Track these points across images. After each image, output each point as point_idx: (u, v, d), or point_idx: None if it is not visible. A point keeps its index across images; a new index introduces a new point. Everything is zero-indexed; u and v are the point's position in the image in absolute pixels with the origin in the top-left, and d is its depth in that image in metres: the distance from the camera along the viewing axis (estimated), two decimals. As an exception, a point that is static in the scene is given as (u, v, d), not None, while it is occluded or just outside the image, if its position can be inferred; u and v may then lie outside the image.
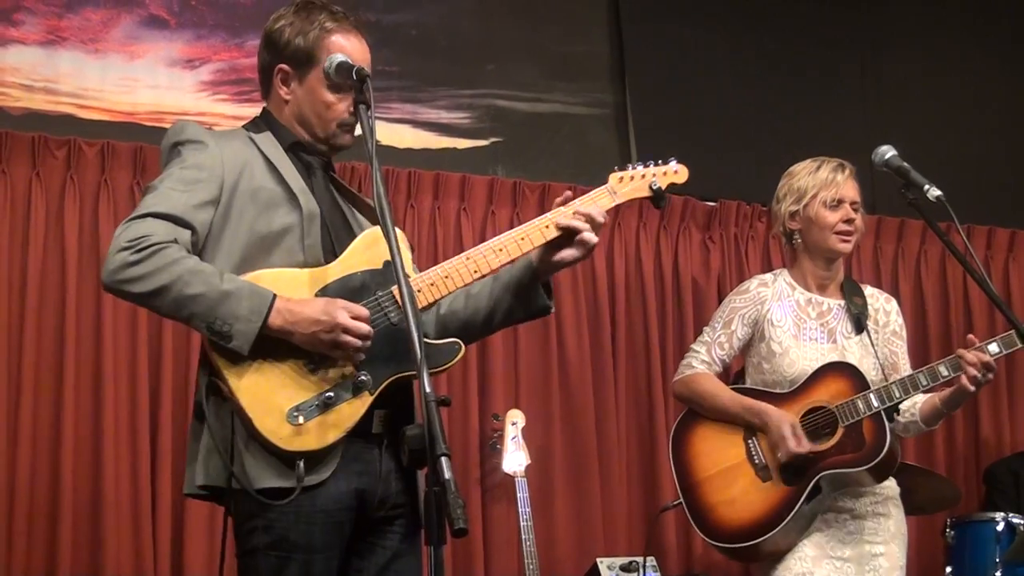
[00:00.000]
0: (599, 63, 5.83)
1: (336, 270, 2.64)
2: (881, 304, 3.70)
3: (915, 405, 3.55)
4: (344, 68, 2.69)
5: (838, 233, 3.58)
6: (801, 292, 3.66)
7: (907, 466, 4.55)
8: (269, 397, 2.53)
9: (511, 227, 5.20)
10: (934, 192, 3.06)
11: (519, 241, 2.75)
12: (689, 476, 3.61)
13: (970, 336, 3.44)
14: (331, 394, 2.54)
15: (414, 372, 2.39)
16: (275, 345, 2.54)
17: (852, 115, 6.16)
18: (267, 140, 2.78)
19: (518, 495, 4.71)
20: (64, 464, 4.48)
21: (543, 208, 5.41)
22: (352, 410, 2.56)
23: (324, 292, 2.60)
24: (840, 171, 3.61)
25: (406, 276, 2.40)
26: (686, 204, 5.64)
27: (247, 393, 2.54)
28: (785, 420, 3.45)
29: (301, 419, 2.52)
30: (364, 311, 2.55)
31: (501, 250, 2.75)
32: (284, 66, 2.81)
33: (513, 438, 4.85)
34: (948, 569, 4.92)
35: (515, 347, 5.24)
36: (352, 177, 4.88)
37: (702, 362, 3.67)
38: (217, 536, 4.50)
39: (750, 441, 3.54)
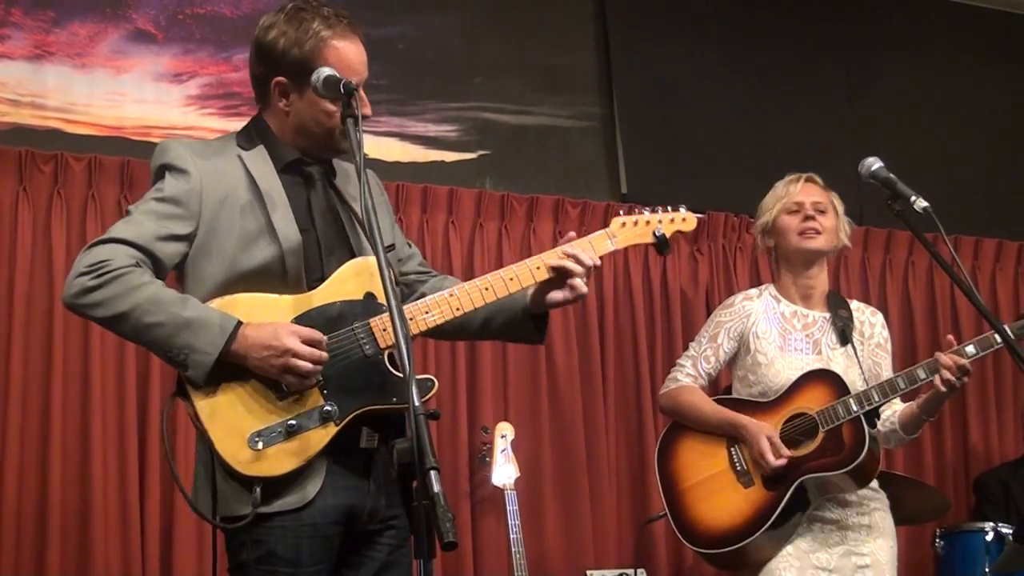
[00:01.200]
0: (586, 76, 5.84)
1: (318, 298, 2.64)
2: (867, 317, 3.75)
3: (894, 414, 3.59)
4: (331, 82, 2.66)
5: (801, 233, 3.68)
6: (786, 305, 3.72)
7: (896, 476, 4.57)
8: (233, 422, 2.55)
9: (499, 240, 5.31)
10: (921, 203, 3.06)
11: (507, 281, 2.77)
12: (674, 486, 3.66)
13: (948, 337, 3.49)
14: (294, 422, 2.55)
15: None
16: (243, 371, 2.56)
17: (839, 127, 6.18)
18: (258, 158, 2.74)
19: (507, 508, 4.70)
20: (52, 475, 4.47)
21: (531, 220, 5.43)
22: (317, 439, 2.57)
23: (299, 320, 2.60)
24: (795, 182, 3.75)
25: (397, 297, 2.37)
26: (674, 216, 5.64)
27: (211, 417, 2.57)
28: (762, 433, 3.49)
29: (260, 444, 2.54)
30: (317, 336, 2.54)
31: (487, 289, 2.76)
32: (281, 79, 2.76)
33: (502, 451, 4.85)
34: (938, 579, 4.93)
35: (504, 360, 5.24)
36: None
37: (688, 375, 3.73)
38: (206, 545, 4.53)
39: (732, 449, 3.59)
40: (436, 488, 2.12)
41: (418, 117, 5.47)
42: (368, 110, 2.73)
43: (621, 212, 2.96)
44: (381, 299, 2.63)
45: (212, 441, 2.56)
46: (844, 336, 3.65)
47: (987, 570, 4.75)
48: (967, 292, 3.14)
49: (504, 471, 4.80)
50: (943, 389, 3.39)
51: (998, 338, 3.29)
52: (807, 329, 3.67)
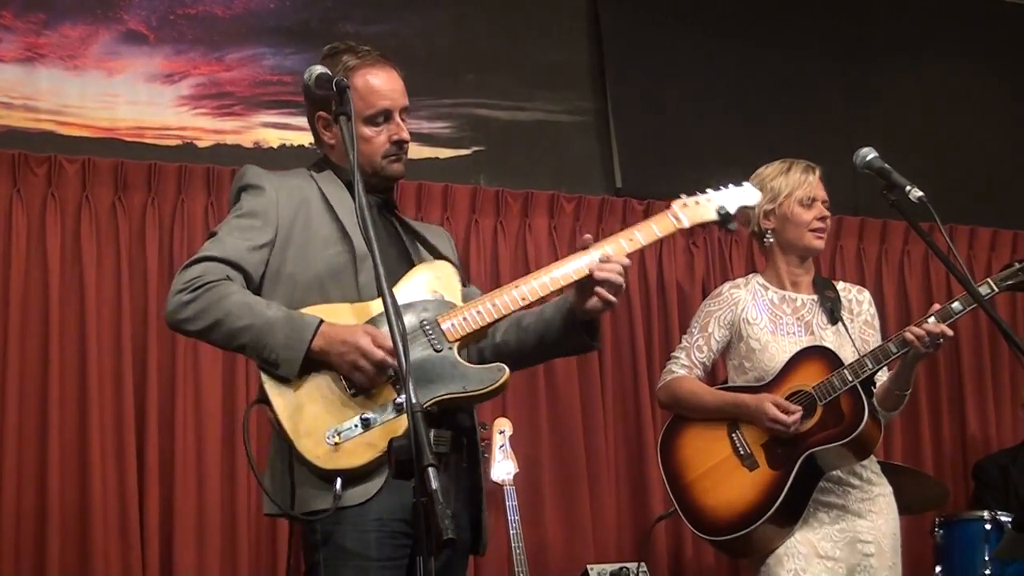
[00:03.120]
0: (579, 71, 5.84)
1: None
2: (853, 295, 3.78)
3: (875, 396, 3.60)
4: (323, 79, 2.69)
5: (813, 230, 3.67)
6: (775, 291, 3.73)
7: (894, 466, 4.57)
8: (310, 420, 2.64)
9: (494, 236, 5.31)
10: (916, 193, 3.07)
11: (538, 288, 2.81)
12: (679, 479, 3.65)
13: (935, 305, 3.50)
14: (369, 416, 2.63)
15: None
16: (319, 370, 2.66)
17: (833, 118, 6.18)
18: (328, 178, 2.91)
19: (507, 504, 4.70)
20: (51, 477, 4.47)
21: (526, 216, 5.43)
22: (392, 429, 2.60)
23: (375, 320, 2.69)
24: (811, 172, 3.72)
25: (391, 294, 2.41)
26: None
27: (289, 417, 2.65)
28: (764, 400, 3.50)
29: (338, 439, 2.62)
30: (385, 339, 2.59)
31: (523, 298, 2.81)
32: (322, 113, 2.91)
33: (501, 447, 4.85)
34: (938, 569, 4.93)
35: (501, 356, 5.23)
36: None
37: (682, 366, 3.74)
38: (206, 545, 4.54)
39: (734, 435, 3.59)
40: (435, 485, 2.12)
41: (411, 114, 5.42)
42: (405, 135, 2.91)
43: (684, 196, 2.96)
44: (451, 299, 2.79)
45: (292, 440, 2.63)
46: (833, 315, 3.67)
47: (987, 558, 4.75)
48: (963, 281, 3.15)
49: (503, 467, 4.80)
50: (921, 349, 3.41)
51: (982, 291, 3.34)
52: (797, 312, 3.69)
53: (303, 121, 5.12)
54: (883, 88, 6.32)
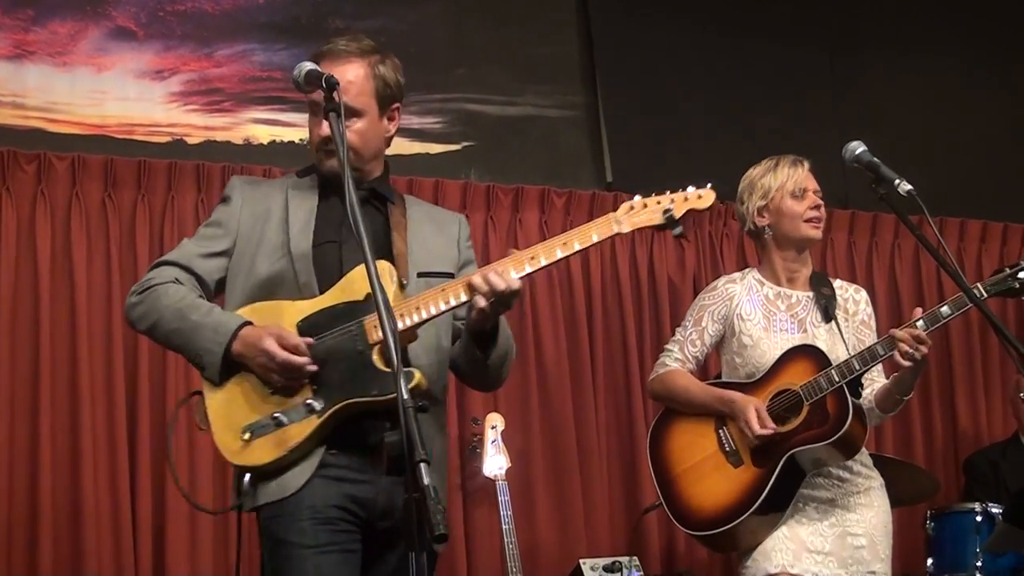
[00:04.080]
0: (569, 65, 5.83)
1: (326, 300, 2.78)
2: (851, 294, 3.76)
3: (872, 392, 3.60)
4: (313, 76, 2.69)
5: (808, 220, 3.67)
6: (770, 287, 3.73)
7: (886, 458, 4.58)
8: (230, 417, 2.75)
9: (484, 231, 5.31)
10: (905, 186, 3.07)
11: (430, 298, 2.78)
12: (666, 473, 3.67)
13: (917, 309, 3.48)
14: (279, 415, 2.70)
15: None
16: (247, 370, 2.75)
17: (822, 111, 6.18)
18: (306, 183, 2.96)
19: (499, 498, 4.70)
20: (42, 475, 4.46)
21: (517, 211, 5.43)
22: (297, 431, 2.70)
23: (304, 322, 2.75)
24: (799, 165, 3.72)
25: (382, 289, 2.40)
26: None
27: (215, 414, 2.78)
28: (750, 404, 3.51)
29: (248, 436, 2.72)
30: (293, 341, 2.68)
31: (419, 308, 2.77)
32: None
33: (493, 442, 4.85)
34: (929, 561, 4.94)
35: (493, 351, 5.24)
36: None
37: (675, 360, 3.74)
38: (199, 543, 4.54)
39: (721, 431, 3.60)
40: (427, 481, 2.12)
41: (402, 109, 5.44)
42: (322, 131, 2.84)
43: (639, 196, 2.87)
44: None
45: (214, 436, 2.76)
46: (827, 313, 3.66)
47: (978, 550, 4.76)
48: (953, 274, 3.15)
49: (495, 462, 4.80)
50: (905, 363, 3.38)
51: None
52: (791, 309, 3.69)
53: (294, 117, 5.19)
54: (872, 80, 6.32)
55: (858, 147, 3.19)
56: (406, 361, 2.73)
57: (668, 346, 3.80)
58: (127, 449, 4.60)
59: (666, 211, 2.80)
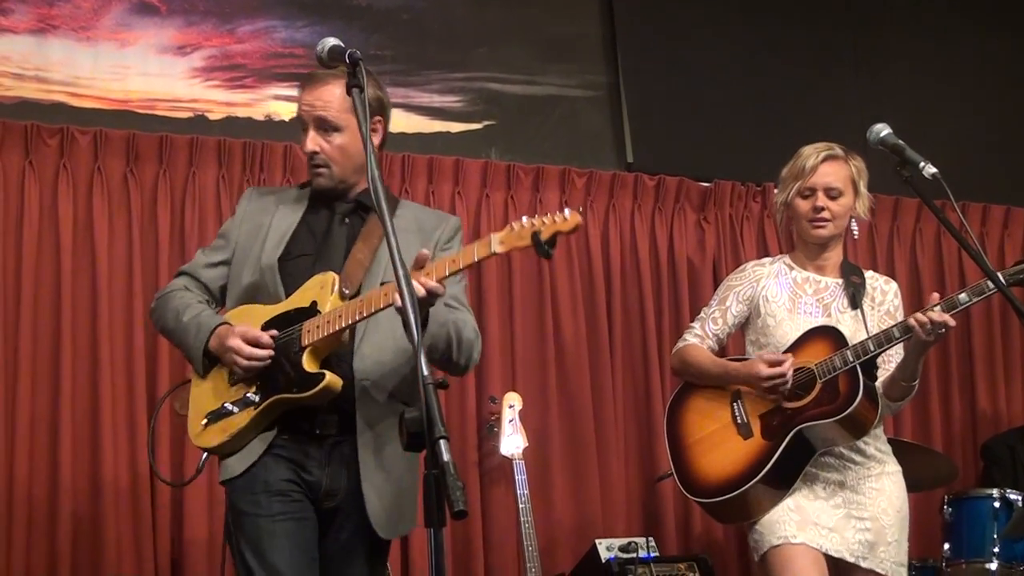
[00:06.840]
0: (591, 44, 5.81)
1: (282, 307, 3.10)
2: (880, 285, 3.77)
3: (881, 382, 3.60)
4: (337, 52, 2.68)
5: (810, 221, 3.68)
6: (799, 271, 3.76)
7: (903, 443, 4.58)
8: (200, 404, 3.16)
9: (504, 210, 5.30)
10: (930, 170, 3.06)
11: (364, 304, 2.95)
12: (679, 443, 3.74)
13: (934, 295, 3.47)
14: (230, 405, 3.08)
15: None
16: (222, 364, 3.12)
17: (846, 93, 6.15)
18: (298, 196, 3.27)
19: (516, 477, 4.71)
20: (62, 448, 4.49)
21: (537, 191, 5.42)
22: (238, 420, 3.06)
23: (265, 325, 3.08)
24: (814, 157, 3.67)
25: (402, 263, 2.41)
26: (680, 185, 5.62)
27: (192, 401, 3.19)
28: (756, 362, 3.55)
29: (206, 421, 3.12)
30: (255, 334, 3.04)
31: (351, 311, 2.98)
32: None
33: (510, 421, 4.86)
34: (946, 546, 4.93)
35: (511, 330, 5.24)
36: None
37: (695, 336, 3.79)
38: (216, 522, 4.56)
39: (735, 404, 3.65)
40: (446, 457, 2.13)
41: (423, 88, 5.46)
42: (308, 146, 3.16)
43: (523, 219, 2.83)
44: (322, 308, 3.02)
45: (188, 417, 3.18)
46: (855, 300, 3.67)
47: (995, 536, 4.76)
48: (976, 258, 3.15)
49: (512, 441, 4.81)
50: (923, 336, 3.37)
51: (989, 284, 3.28)
52: (818, 294, 3.71)
53: (315, 94, 5.15)
54: (896, 63, 6.28)
55: (883, 129, 3.18)
56: (350, 360, 3.03)
57: (692, 324, 3.87)
58: (146, 421, 4.62)
59: (535, 234, 2.76)
